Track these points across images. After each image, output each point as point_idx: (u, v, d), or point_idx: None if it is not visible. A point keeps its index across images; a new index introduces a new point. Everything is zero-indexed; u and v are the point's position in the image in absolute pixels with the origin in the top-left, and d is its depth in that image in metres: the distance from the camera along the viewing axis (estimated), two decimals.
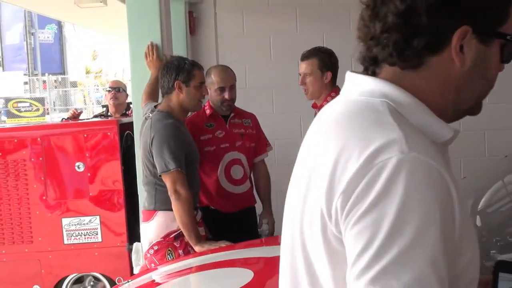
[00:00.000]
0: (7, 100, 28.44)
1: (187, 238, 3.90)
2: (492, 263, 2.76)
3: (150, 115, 4.11)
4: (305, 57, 4.41)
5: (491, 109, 6.75)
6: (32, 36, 40.93)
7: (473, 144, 6.81)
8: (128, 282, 3.48)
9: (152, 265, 3.98)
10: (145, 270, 3.92)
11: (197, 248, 3.81)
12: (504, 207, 3.28)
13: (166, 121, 3.97)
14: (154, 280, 3.38)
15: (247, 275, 3.04)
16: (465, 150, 6.74)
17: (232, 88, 4.54)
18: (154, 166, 3.98)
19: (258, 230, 4.66)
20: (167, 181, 3.88)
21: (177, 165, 3.84)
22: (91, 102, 33.90)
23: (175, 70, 4.04)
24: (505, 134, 6.71)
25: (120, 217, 5.48)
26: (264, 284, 3.07)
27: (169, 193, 3.86)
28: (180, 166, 3.86)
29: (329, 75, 4.37)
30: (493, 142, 6.78)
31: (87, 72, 44.58)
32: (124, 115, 6.81)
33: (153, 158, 3.96)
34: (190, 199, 3.87)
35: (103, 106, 7.91)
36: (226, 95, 4.47)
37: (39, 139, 5.54)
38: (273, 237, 4.45)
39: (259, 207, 4.80)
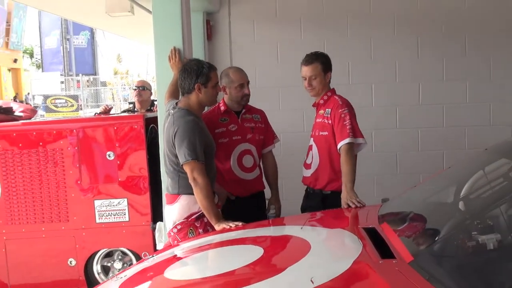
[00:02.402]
0: (46, 97, 28.69)
1: (207, 218, 3.93)
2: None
3: (172, 111, 4.13)
4: (308, 62, 4.40)
5: (471, 108, 6.78)
6: (68, 41, 41.22)
7: (455, 139, 6.80)
8: (153, 256, 3.47)
9: (175, 242, 4.01)
10: (168, 246, 3.93)
11: (216, 227, 3.85)
12: (485, 194, 3.26)
13: (188, 118, 4.01)
14: (176, 255, 3.36)
15: (257, 251, 3.04)
16: (447, 145, 6.77)
17: (248, 84, 4.56)
18: (176, 156, 4.01)
19: (267, 213, 4.67)
20: (187, 170, 3.92)
21: (195, 157, 3.89)
22: (118, 99, 34.05)
23: (195, 73, 4.05)
24: (482, 130, 6.70)
25: (145, 199, 5.51)
26: (271, 260, 3.07)
27: (189, 180, 3.90)
28: (197, 158, 3.90)
29: (329, 75, 4.41)
30: (471, 137, 6.77)
31: (115, 73, 45.00)
32: (149, 110, 6.81)
33: (175, 149, 3.98)
34: (207, 185, 3.90)
35: (129, 103, 7.94)
36: (246, 90, 4.52)
37: (75, 131, 5.55)
38: (280, 219, 4.46)
39: (267, 192, 4.79)
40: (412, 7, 6.74)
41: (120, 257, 5.68)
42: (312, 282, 2.48)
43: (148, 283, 3.00)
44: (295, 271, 2.69)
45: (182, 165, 3.95)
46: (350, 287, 2.52)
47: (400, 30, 6.79)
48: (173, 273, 2.99)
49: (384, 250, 2.80)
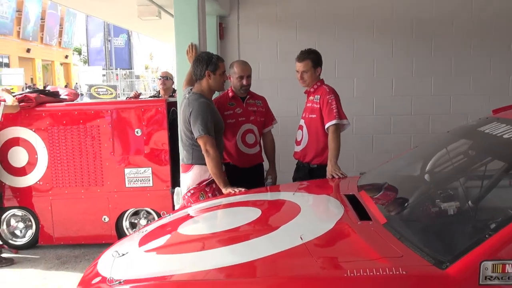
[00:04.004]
0: (90, 86, 29.10)
1: (217, 183, 3.87)
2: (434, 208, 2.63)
3: (187, 95, 4.07)
4: (301, 58, 4.31)
5: (435, 100, 6.67)
6: (109, 42, 41.59)
7: (421, 125, 6.71)
8: (170, 215, 3.36)
9: (189, 204, 3.94)
10: (183, 207, 3.83)
11: (223, 191, 3.78)
12: (447, 168, 3.14)
13: (200, 100, 3.94)
14: (189, 214, 3.25)
15: (256, 212, 2.94)
16: (414, 129, 6.68)
17: (249, 76, 4.46)
18: (191, 132, 3.93)
19: (265, 182, 4.58)
20: (201, 143, 3.86)
21: (206, 132, 3.83)
22: (149, 90, 34.43)
23: (205, 62, 4.01)
24: (443, 118, 6.63)
25: (165, 169, 5.44)
26: (267, 220, 2.97)
27: (202, 151, 3.84)
28: (209, 133, 3.84)
29: (319, 70, 4.30)
30: (434, 124, 6.69)
31: (146, 68, 45.64)
32: (171, 96, 6.80)
33: (191, 126, 3.90)
34: (217, 156, 3.86)
35: (155, 90, 7.92)
36: (244, 82, 4.42)
37: (109, 111, 5.48)
38: (275, 186, 4.36)
39: (266, 164, 4.69)
40: (388, 15, 6.64)
41: (145, 215, 5.61)
42: (301, 239, 2.39)
43: (164, 237, 2.90)
44: (287, 230, 2.59)
45: (196, 139, 3.88)
46: (333, 244, 2.42)
47: (378, 34, 6.69)
48: (186, 229, 2.89)
49: (361, 214, 2.70)
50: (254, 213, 2.92)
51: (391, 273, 1.99)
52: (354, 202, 2.92)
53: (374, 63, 6.74)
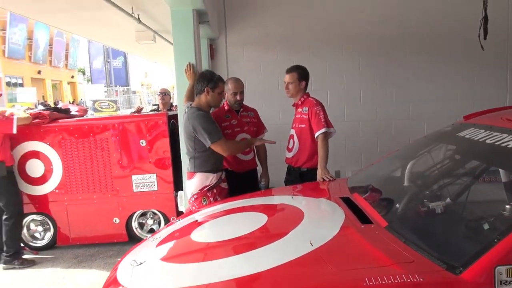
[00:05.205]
0: (94, 101, 28.54)
1: (248, 147, 4.00)
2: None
3: (186, 110, 3.76)
4: (289, 71, 4.05)
5: (397, 107, 6.49)
6: (109, 64, 41.62)
7: (385, 128, 6.54)
8: (179, 220, 3.03)
9: (193, 207, 3.65)
10: (189, 212, 3.49)
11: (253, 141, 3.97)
12: (434, 172, 2.86)
13: (198, 112, 3.63)
14: (197, 220, 2.93)
15: (262, 218, 2.62)
16: (379, 133, 6.51)
17: (242, 92, 4.19)
18: (194, 143, 3.64)
19: (259, 185, 4.29)
20: (216, 149, 3.60)
21: (215, 139, 3.57)
22: (144, 103, 34.35)
23: (207, 79, 3.73)
24: (404, 122, 6.46)
25: (168, 174, 5.14)
26: (275, 226, 2.62)
27: (224, 155, 3.71)
28: (216, 137, 3.58)
29: (303, 83, 4.02)
30: (397, 128, 6.51)
31: (142, 85, 45.64)
32: (169, 110, 6.56)
33: (194, 138, 3.60)
34: (233, 145, 3.82)
35: (153, 105, 7.68)
36: (238, 97, 4.15)
37: (116, 125, 5.15)
38: (271, 189, 4.05)
39: (259, 169, 4.39)
40: (355, 34, 6.40)
41: (151, 216, 5.28)
42: (312, 244, 2.09)
43: (178, 245, 2.58)
44: (296, 235, 2.29)
45: (209, 148, 3.59)
46: (344, 250, 2.11)
47: (347, 51, 6.46)
48: (198, 236, 2.55)
49: (361, 216, 2.42)
50: (260, 219, 2.61)
51: (408, 280, 1.71)
52: (350, 204, 2.65)
53: (344, 77, 6.53)
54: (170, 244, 2.57)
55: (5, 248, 4.86)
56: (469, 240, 2.01)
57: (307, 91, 4.08)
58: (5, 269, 4.81)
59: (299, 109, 4.00)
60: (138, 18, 7.16)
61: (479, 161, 2.48)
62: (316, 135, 3.77)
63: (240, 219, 2.71)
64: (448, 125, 3.13)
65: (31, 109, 5.63)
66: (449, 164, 2.74)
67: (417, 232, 2.19)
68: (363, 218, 2.39)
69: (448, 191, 2.50)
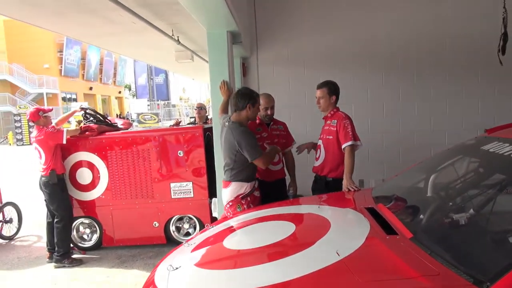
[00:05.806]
0: (138, 114, 29.40)
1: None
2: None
3: (227, 124, 3.69)
4: (319, 86, 3.94)
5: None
6: (152, 80, 42.12)
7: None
8: (213, 227, 2.97)
9: (228, 214, 3.59)
10: (223, 218, 3.42)
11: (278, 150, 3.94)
12: (459, 184, 2.70)
13: (241, 128, 3.58)
14: (231, 227, 2.86)
15: (291, 227, 2.52)
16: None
17: (272, 107, 4.17)
18: (236, 156, 3.58)
19: (287, 193, 4.19)
20: (258, 163, 3.57)
21: (258, 155, 3.52)
22: (183, 115, 34.62)
23: (248, 97, 3.65)
24: (430, 135, 6.21)
25: (203, 182, 5.12)
26: (302, 234, 2.53)
27: (263, 168, 3.67)
28: (258, 154, 3.53)
29: (333, 98, 3.90)
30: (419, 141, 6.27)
31: (180, 99, 46.11)
32: (205, 123, 6.54)
33: (236, 152, 3.55)
34: (268, 160, 3.68)
35: (191, 117, 7.70)
36: (269, 112, 4.13)
37: (157, 137, 5.17)
38: (296, 199, 3.94)
39: (287, 178, 4.31)
40: (378, 52, 6.23)
41: (187, 220, 5.25)
42: (338, 254, 1.99)
43: (211, 251, 2.51)
44: (323, 245, 2.18)
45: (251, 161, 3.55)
46: (370, 260, 1.99)
47: (371, 67, 6.29)
48: (230, 243, 2.48)
49: (386, 227, 2.29)
50: (288, 228, 2.51)
51: None
52: (374, 215, 2.52)
53: (368, 90, 6.35)
54: (203, 250, 2.51)
55: (56, 249, 4.92)
56: (495, 254, 1.86)
57: (337, 105, 3.97)
58: (56, 267, 4.87)
59: (328, 121, 3.89)
60: (178, 39, 7.22)
61: (504, 175, 2.32)
62: (343, 146, 3.66)
63: (269, 227, 2.62)
64: (471, 138, 2.97)
65: (81, 121, 5.73)
66: (473, 177, 2.58)
67: (442, 244, 2.05)
68: (388, 229, 2.26)
69: (473, 203, 2.34)
